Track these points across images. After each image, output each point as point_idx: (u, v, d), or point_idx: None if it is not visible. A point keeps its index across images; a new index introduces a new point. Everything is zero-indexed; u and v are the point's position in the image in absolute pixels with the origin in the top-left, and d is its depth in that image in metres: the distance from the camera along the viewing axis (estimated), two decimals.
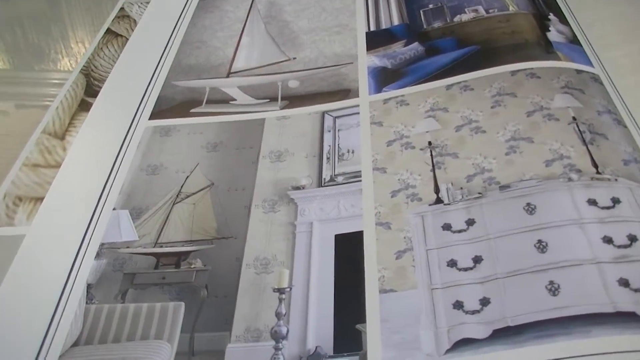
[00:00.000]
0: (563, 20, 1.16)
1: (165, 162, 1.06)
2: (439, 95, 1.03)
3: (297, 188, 0.97)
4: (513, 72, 1.03)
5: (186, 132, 1.11)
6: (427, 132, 0.98)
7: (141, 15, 1.48)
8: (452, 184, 0.89)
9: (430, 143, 0.95)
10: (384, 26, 1.25)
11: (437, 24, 1.20)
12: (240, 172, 1.02)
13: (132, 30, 1.45)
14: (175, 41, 1.36)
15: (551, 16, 1.16)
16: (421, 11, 1.23)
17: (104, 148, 1.08)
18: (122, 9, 1.54)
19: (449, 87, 1.04)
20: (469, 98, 1.01)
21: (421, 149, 0.96)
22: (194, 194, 1.01)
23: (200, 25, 1.38)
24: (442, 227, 0.82)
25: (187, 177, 1.03)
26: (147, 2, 1.52)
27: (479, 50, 1.09)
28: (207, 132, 1.10)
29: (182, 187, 1.02)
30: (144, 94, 1.21)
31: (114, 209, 0.96)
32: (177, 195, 1.01)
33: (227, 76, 1.23)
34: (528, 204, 0.80)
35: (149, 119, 1.16)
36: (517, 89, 0.99)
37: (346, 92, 1.12)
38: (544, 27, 1.12)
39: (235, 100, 1.18)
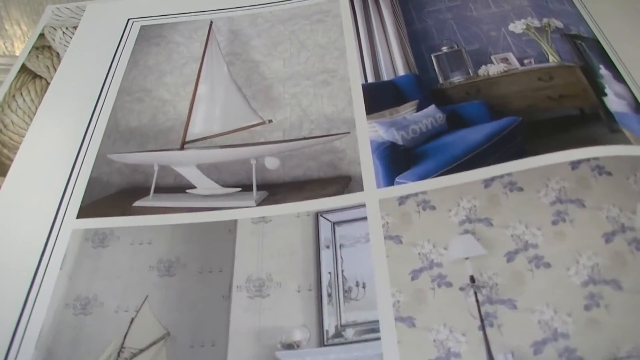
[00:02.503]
0: (618, 76, 0.88)
1: (101, 292, 0.75)
2: (475, 196, 0.75)
3: (290, 346, 0.67)
4: (574, 164, 0.75)
5: (129, 242, 0.79)
6: (466, 258, 0.69)
7: (66, 47, 1.12)
8: (512, 354, 0.61)
9: (472, 279, 0.67)
10: (385, 76, 0.95)
11: (457, 78, 0.90)
12: (207, 314, 0.72)
13: (55, 69, 1.10)
14: (112, 88, 1.02)
15: (602, 69, 0.88)
16: (433, 56, 0.93)
17: (10, 271, 0.76)
18: (42, 35, 1.17)
19: (487, 182, 0.76)
20: (518, 203, 0.73)
21: (461, 289, 0.68)
22: (142, 350, 0.70)
23: (142, 64, 1.04)
24: None
25: (133, 319, 0.72)
26: (74, 27, 1.16)
27: (520, 124, 0.80)
28: (158, 242, 0.79)
29: (125, 337, 0.71)
30: (69, 175, 0.88)
31: None
32: (119, 354, 0.70)
33: (182, 147, 0.91)
34: None
35: (77, 216, 0.83)
36: (583, 192, 0.72)
37: (345, 181, 0.82)
38: (597, 88, 0.83)
39: (194, 187, 0.86)
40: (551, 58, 0.89)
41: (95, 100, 1.00)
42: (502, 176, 0.77)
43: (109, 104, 0.99)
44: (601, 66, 0.91)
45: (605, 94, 0.86)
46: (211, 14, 1.15)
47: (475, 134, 0.81)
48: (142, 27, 1.15)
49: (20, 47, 1.24)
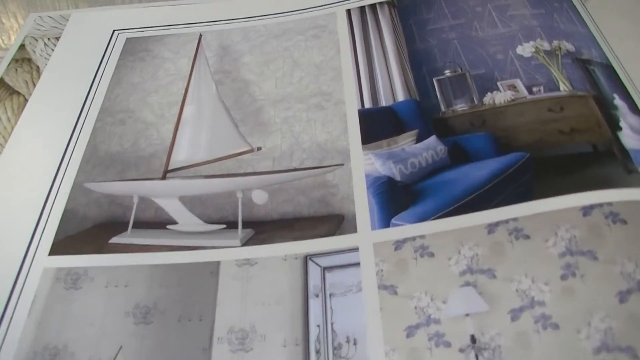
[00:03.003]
0: (634, 107, 0.81)
1: (72, 341, 0.69)
2: (478, 243, 0.69)
3: None
4: (585, 210, 0.68)
5: (103, 284, 0.73)
6: (467, 315, 0.63)
7: (47, 60, 1.06)
8: None
9: (473, 340, 0.61)
10: (383, 101, 0.88)
11: (460, 106, 0.83)
12: None
13: (34, 85, 1.03)
14: (93, 107, 0.96)
15: (617, 99, 0.81)
16: (435, 80, 0.86)
17: None
18: (22, 46, 1.11)
19: (491, 227, 0.70)
20: (524, 253, 0.67)
21: (461, 350, 0.62)
22: None
23: (126, 81, 0.98)
24: None
25: None
26: (57, 39, 1.09)
27: (528, 160, 0.74)
28: (134, 285, 0.73)
29: None
30: (43, 206, 0.82)
31: None
32: None
33: (164, 176, 0.85)
34: None
35: (50, 253, 0.77)
36: (596, 243, 0.66)
37: (337, 220, 0.76)
38: (612, 121, 0.77)
39: (175, 223, 0.80)
40: (562, 86, 0.82)
41: (75, 122, 0.94)
42: (507, 221, 0.71)
43: (89, 126, 0.93)
44: (616, 95, 0.84)
45: (620, 128, 0.79)
46: (201, 27, 1.08)
47: (479, 171, 0.75)
48: (127, 39, 1.08)
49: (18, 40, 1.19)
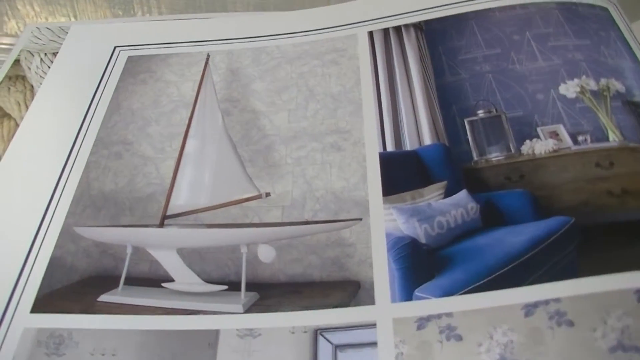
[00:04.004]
0: None
1: None
2: (513, 327, 0.59)
3: None
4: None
5: (89, 350, 0.65)
6: None
7: (42, 79, 0.97)
8: None
9: None
10: (408, 144, 0.78)
11: (495, 155, 0.74)
12: None
13: (26, 107, 0.95)
14: (88, 137, 0.87)
15: None
16: (467, 122, 0.76)
17: None
18: (17, 62, 1.03)
19: (529, 309, 0.60)
20: (567, 343, 0.58)
21: None
22: None
23: (126, 107, 0.89)
24: None
25: None
26: (54, 54, 1.00)
27: (573, 227, 0.64)
28: (123, 354, 0.65)
29: None
30: (27, 254, 0.74)
31: None
32: None
33: (161, 223, 0.76)
34: None
35: (32, 310, 0.69)
36: None
37: (353, 288, 0.67)
38: None
39: (172, 281, 0.71)
40: (611, 135, 0.72)
41: (67, 153, 0.85)
42: (547, 302, 0.61)
43: (82, 158, 0.84)
44: None
45: None
46: (208, 45, 0.98)
47: (515, 237, 0.65)
48: (129, 58, 0.99)
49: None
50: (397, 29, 0.93)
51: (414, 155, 0.78)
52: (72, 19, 1.20)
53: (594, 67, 0.81)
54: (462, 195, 0.72)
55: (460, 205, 0.70)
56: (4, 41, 1.15)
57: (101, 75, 0.97)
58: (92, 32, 1.05)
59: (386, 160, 0.76)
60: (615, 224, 0.68)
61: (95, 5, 1.22)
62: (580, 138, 0.74)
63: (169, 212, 0.77)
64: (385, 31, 0.93)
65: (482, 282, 0.63)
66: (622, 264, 0.62)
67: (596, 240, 0.65)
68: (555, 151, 0.74)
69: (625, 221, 0.67)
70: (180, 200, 0.78)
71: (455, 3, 0.95)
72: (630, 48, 0.87)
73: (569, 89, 0.78)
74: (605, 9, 0.92)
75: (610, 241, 0.66)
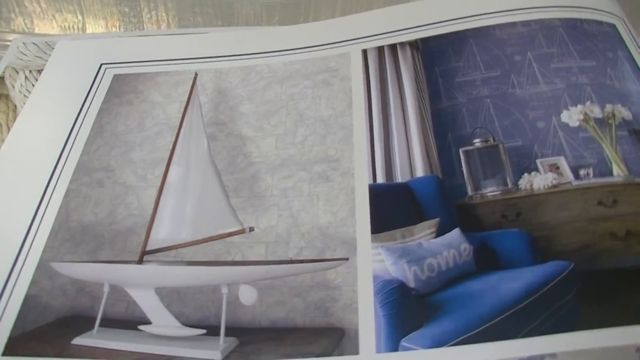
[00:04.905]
0: None
1: None
2: None
3: None
4: None
5: None
6: None
7: (26, 98, 0.94)
8: None
9: None
10: (399, 176, 0.73)
11: (490, 190, 0.69)
12: None
13: (8, 129, 0.92)
14: (69, 162, 0.84)
15: None
16: (462, 152, 0.71)
17: None
18: (1, 80, 1.00)
19: None
20: None
21: None
22: None
23: (110, 131, 0.85)
24: None
25: None
26: (39, 71, 0.97)
27: (572, 273, 0.59)
28: None
29: None
30: (1, 291, 0.71)
31: None
32: None
33: (140, 259, 0.72)
34: None
35: (3, 353, 0.67)
36: None
37: (337, 335, 0.63)
38: None
39: (149, 323, 0.68)
40: (616, 169, 0.67)
41: (47, 181, 0.82)
42: (542, 357, 0.57)
43: (62, 186, 0.81)
44: None
45: None
46: (196, 63, 0.94)
47: (510, 283, 0.61)
48: (115, 76, 0.95)
49: (40, 25, 1.15)
50: (393, 47, 0.88)
51: (405, 188, 0.74)
52: (79, 17, 1.17)
53: (599, 91, 0.76)
54: (455, 234, 0.67)
55: (452, 246, 0.66)
56: (12, 38, 1.12)
57: (86, 94, 0.94)
58: (78, 48, 1.01)
59: (376, 193, 0.71)
60: (618, 270, 0.64)
61: (102, 3, 1.19)
62: (582, 172, 0.70)
63: (149, 247, 0.74)
64: (380, 49, 0.89)
65: (473, 332, 0.59)
66: (625, 316, 0.57)
67: (597, 288, 0.61)
68: (555, 186, 0.69)
69: (629, 267, 0.63)
70: (161, 234, 0.75)
71: (453, 20, 0.90)
72: (638, 69, 0.81)
73: (572, 116, 0.73)
74: (613, 25, 0.87)
75: (612, 289, 0.61)
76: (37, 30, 1.16)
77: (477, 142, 0.75)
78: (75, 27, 1.18)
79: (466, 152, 0.73)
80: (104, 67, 0.98)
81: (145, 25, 1.17)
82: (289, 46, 0.94)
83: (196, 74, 0.92)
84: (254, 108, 0.86)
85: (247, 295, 0.67)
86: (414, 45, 0.87)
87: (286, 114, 0.84)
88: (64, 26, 1.18)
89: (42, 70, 1.00)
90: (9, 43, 1.08)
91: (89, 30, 1.17)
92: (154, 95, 0.91)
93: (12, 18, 1.15)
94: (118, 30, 1.17)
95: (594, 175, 0.70)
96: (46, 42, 1.05)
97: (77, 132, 0.88)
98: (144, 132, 0.86)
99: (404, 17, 0.93)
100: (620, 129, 0.72)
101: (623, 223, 0.65)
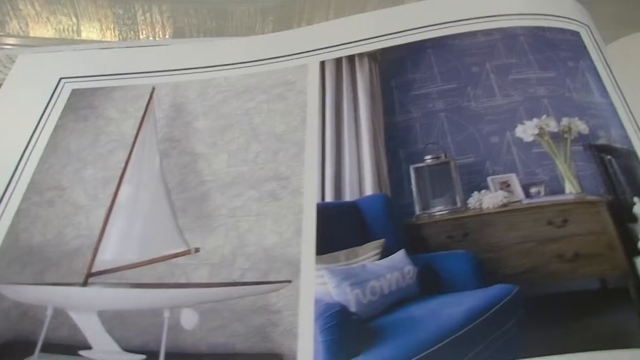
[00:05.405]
0: None
1: None
2: None
3: None
4: None
5: None
6: None
7: None
8: None
9: None
10: (348, 194, 0.71)
11: (439, 209, 0.67)
12: None
13: None
14: (22, 181, 0.82)
15: (638, 205, 0.63)
16: (412, 169, 0.69)
17: None
18: None
19: None
20: None
21: None
22: None
23: (63, 148, 0.84)
24: None
25: None
26: None
27: (517, 297, 0.57)
28: None
29: None
30: None
31: None
32: None
33: (85, 281, 0.71)
34: None
35: None
36: None
37: None
38: (630, 240, 0.59)
39: (89, 348, 0.66)
40: (568, 186, 0.65)
41: (3, 190, 0.80)
42: None
43: (13, 206, 0.79)
44: (637, 199, 0.66)
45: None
46: (154, 77, 0.93)
47: (452, 308, 0.59)
48: (73, 91, 0.94)
49: (35, 28, 1.14)
50: (351, 58, 0.86)
51: (352, 208, 0.72)
52: (74, 19, 1.16)
53: (556, 104, 0.73)
54: (400, 256, 0.65)
55: (396, 268, 0.64)
56: (7, 42, 1.13)
57: (43, 110, 0.92)
58: (38, 62, 1.00)
59: (323, 212, 0.69)
60: (565, 294, 0.61)
61: (96, 6, 1.18)
62: (533, 190, 0.67)
63: (94, 269, 0.72)
64: (338, 61, 0.86)
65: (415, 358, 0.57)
66: (569, 342, 0.55)
67: (542, 313, 0.59)
68: (504, 205, 0.66)
69: (576, 290, 0.60)
70: (108, 255, 0.73)
71: (413, 29, 0.88)
72: (600, 79, 0.79)
73: (527, 130, 0.71)
74: (577, 33, 0.84)
75: (558, 314, 0.59)
76: (32, 34, 1.15)
77: (429, 158, 0.72)
78: (70, 29, 1.17)
79: (417, 170, 0.71)
80: (63, 81, 0.97)
81: (139, 27, 1.16)
82: (248, 58, 0.93)
83: (153, 89, 0.90)
84: (209, 123, 0.85)
85: (188, 319, 0.66)
86: (372, 56, 0.85)
87: (240, 130, 0.83)
88: (59, 29, 1.17)
89: (1, 85, 0.99)
90: (5, 47, 1.10)
91: (83, 33, 1.16)
92: (109, 111, 0.89)
93: (7, 21, 1.14)
94: (112, 32, 1.16)
95: (546, 193, 0.68)
96: (7, 55, 1.03)
97: (32, 150, 0.87)
98: (97, 150, 0.85)
99: (364, 27, 0.91)
100: (575, 143, 0.70)
101: (571, 244, 0.63)
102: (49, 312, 0.70)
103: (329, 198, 0.74)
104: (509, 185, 0.68)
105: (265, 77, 0.88)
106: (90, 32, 1.14)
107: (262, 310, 0.67)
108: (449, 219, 0.68)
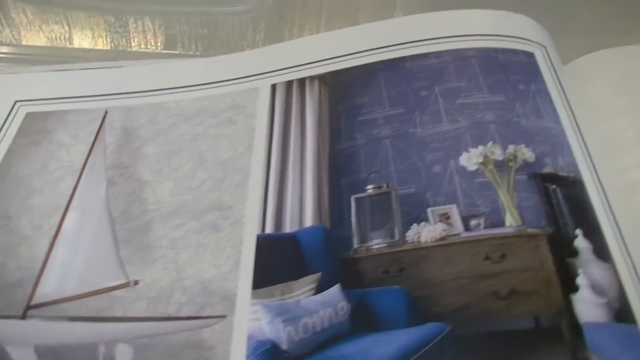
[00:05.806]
0: (601, 248, 0.61)
1: None
2: None
3: None
4: None
5: None
6: None
7: None
8: None
9: None
10: (288, 225, 0.70)
11: (376, 242, 0.65)
12: None
13: None
14: None
15: (580, 238, 0.61)
16: (353, 199, 0.68)
17: None
18: None
19: None
20: None
21: None
22: None
23: (13, 174, 0.84)
24: None
25: None
26: None
27: (448, 336, 0.56)
28: None
29: None
30: None
31: None
32: None
33: (24, 314, 0.70)
34: None
35: None
36: None
37: None
38: (568, 275, 0.57)
39: None
40: (509, 218, 0.63)
41: None
42: None
43: None
44: (579, 232, 0.64)
45: (577, 288, 0.59)
46: (107, 100, 0.92)
47: (383, 347, 0.57)
48: (27, 114, 0.93)
49: (27, 36, 1.14)
50: (302, 82, 0.85)
51: (291, 240, 0.70)
52: (66, 27, 1.16)
53: (503, 130, 0.72)
54: (334, 291, 0.64)
55: (330, 304, 0.62)
56: (1, 50, 1.12)
57: None
58: None
59: (262, 244, 0.68)
60: (498, 333, 0.60)
61: (88, 14, 1.17)
62: (472, 222, 0.66)
63: (34, 301, 0.71)
64: (289, 84, 0.85)
65: None
66: None
67: (475, 353, 0.57)
68: (442, 239, 0.65)
69: (510, 329, 0.59)
70: (49, 288, 0.72)
71: (365, 51, 0.86)
72: (551, 102, 0.77)
73: (471, 159, 0.69)
74: (531, 55, 0.83)
75: (490, 354, 0.58)
76: (24, 42, 1.15)
77: (370, 188, 0.71)
78: (62, 37, 1.16)
79: (357, 200, 0.70)
80: (18, 104, 0.96)
81: (131, 35, 1.15)
82: (201, 80, 0.91)
83: (106, 112, 0.89)
84: (157, 149, 0.83)
85: (123, 355, 0.65)
86: (322, 79, 0.84)
87: (187, 156, 0.82)
88: (51, 37, 1.16)
89: None
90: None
91: (75, 42, 1.16)
92: (61, 136, 0.88)
93: (0, 30, 1.13)
94: (104, 40, 1.16)
95: (485, 226, 0.66)
96: None
97: None
98: (46, 176, 0.84)
99: (318, 49, 0.89)
100: (520, 172, 0.68)
101: (508, 281, 0.61)
102: None
103: (269, 228, 0.73)
104: (448, 218, 0.67)
105: (218, 100, 0.87)
106: (82, 40, 1.14)
107: (195, 346, 0.66)
108: (386, 252, 0.67)
